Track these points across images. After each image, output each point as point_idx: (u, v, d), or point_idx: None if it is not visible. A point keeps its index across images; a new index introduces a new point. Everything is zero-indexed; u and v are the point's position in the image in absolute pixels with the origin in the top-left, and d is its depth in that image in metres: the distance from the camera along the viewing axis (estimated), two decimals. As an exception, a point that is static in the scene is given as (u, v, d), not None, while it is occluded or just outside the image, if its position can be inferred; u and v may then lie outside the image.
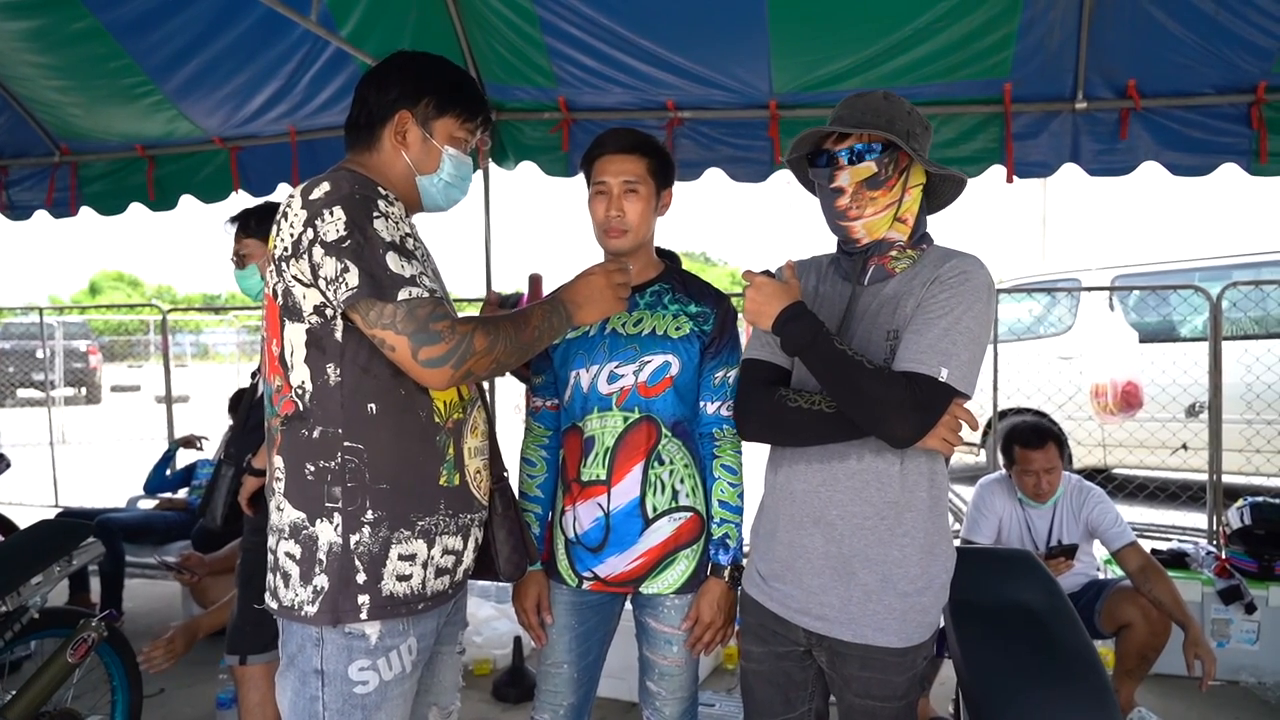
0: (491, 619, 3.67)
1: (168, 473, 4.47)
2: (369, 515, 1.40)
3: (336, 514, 1.39)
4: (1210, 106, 3.40)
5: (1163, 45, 3.22)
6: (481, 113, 1.60)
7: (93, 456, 9.61)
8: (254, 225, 2.60)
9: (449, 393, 1.49)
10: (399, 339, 1.34)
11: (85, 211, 4.70)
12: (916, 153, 1.55)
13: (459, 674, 1.71)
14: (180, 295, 39.14)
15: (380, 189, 1.43)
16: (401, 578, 1.42)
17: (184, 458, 4.60)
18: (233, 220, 2.68)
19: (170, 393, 5.95)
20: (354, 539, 1.39)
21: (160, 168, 4.49)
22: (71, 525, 2.64)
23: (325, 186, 1.37)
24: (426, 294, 1.37)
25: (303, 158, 4.21)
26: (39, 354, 12.44)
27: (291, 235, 1.36)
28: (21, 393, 14.06)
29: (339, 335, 1.39)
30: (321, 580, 1.39)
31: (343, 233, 1.33)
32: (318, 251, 1.34)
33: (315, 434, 1.40)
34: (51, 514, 4.50)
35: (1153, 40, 3.22)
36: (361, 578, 1.39)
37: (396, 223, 1.40)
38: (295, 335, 1.41)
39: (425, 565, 1.45)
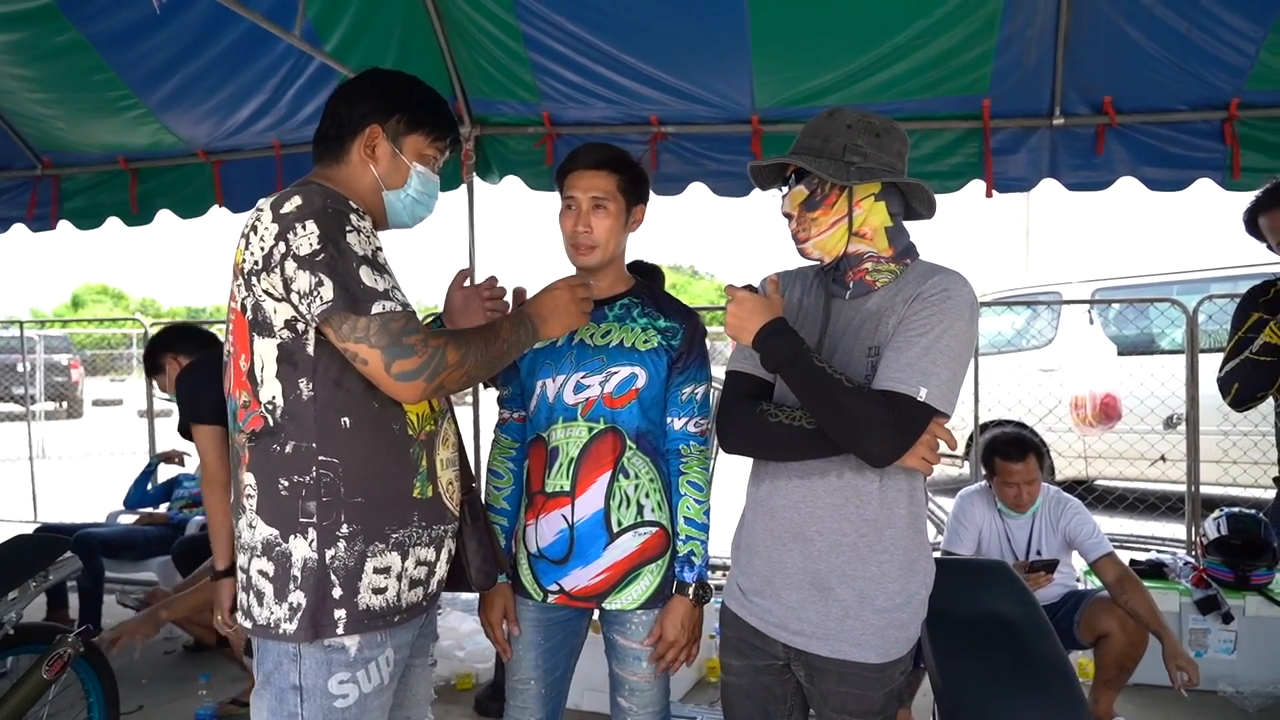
0: (473, 633, 3.66)
1: (149, 487, 4.43)
2: (344, 529, 1.39)
3: (311, 529, 1.38)
4: (1185, 123, 3.46)
5: (1138, 63, 3.27)
6: (451, 133, 1.61)
7: (73, 471, 9.51)
8: (169, 354, 3.05)
9: (421, 405, 1.50)
10: (372, 352, 1.35)
11: (66, 225, 4.67)
12: (851, 166, 1.53)
13: (431, 686, 1.72)
14: (165, 309, 38.87)
15: (350, 203, 1.43)
16: (377, 590, 1.42)
17: (165, 472, 4.56)
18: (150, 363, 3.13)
19: (152, 407, 5.91)
20: (329, 553, 1.38)
21: (142, 181, 4.48)
22: (48, 540, 2.62)
23: (297, 200, 1.36)
24: (399, 308, 1.37)
25: (287, 171, 4.20)
26: (19, 368, 12.31)
27: (262, 249, 1.35)
28: (1, 406, 13.91)
29: (311, 349, 1.39)
30: (297, 596, 1.38)
31: (316, 246, 1.33)
32: (290, 265, 1.33)
33: (288, 449, 1.39)
34: (30, 529, 4.45)
35: (1128, 58, 3.27)
36: (338, 592, 1.39)
37: (368, 237, 1.40)
38: (265, 350, 1.40)
39: (399, 577, 1.45)
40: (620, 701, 1.90)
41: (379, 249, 1.42)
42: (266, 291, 1.37)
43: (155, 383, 3.36)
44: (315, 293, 1.33)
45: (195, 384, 2.53)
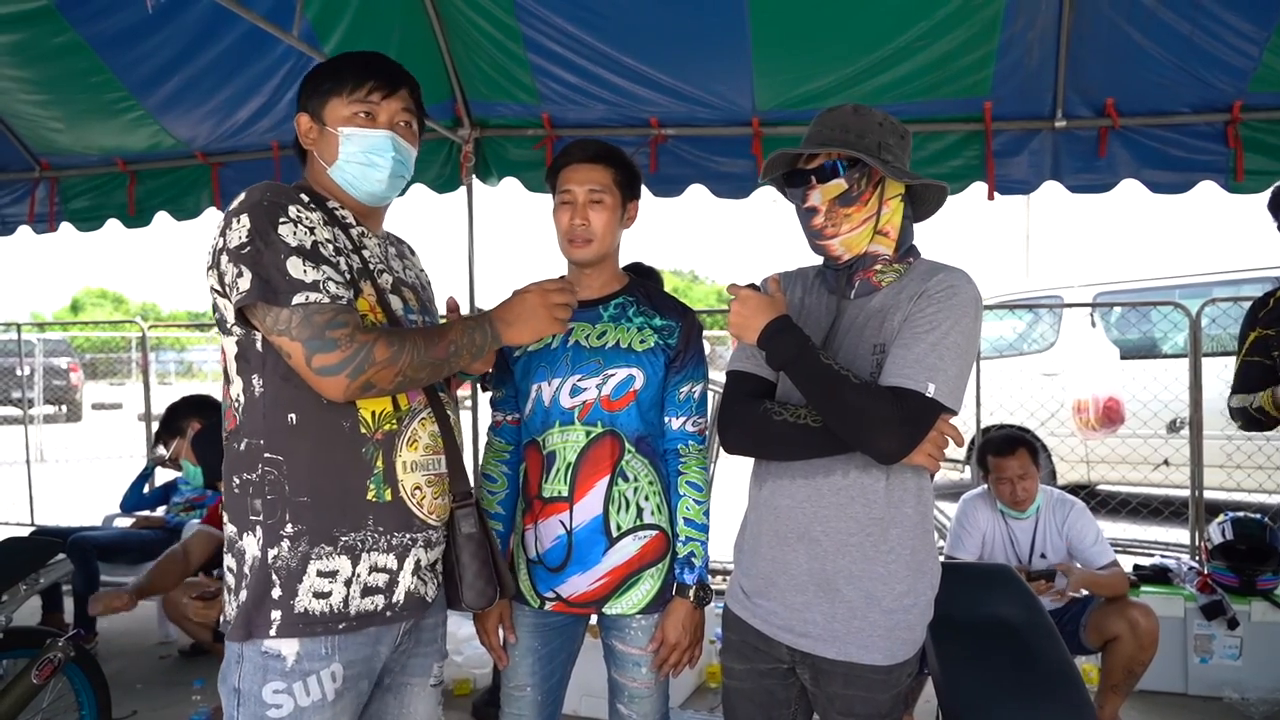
0: (471, 638, 3.62)
1: (145, 490, 4.40)
2: (288, 529, 1.36)
3: (259, 527, 1.37)
4: (1187, 125, 3.45)
5: (1140, 65, 3.26)
6: (367, 79, 1.47)
7: (71, 475, 9.48)
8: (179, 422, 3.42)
9: (380, 402, 1.42)
10: (294, 345, 1.32)
11: (66, 227, 4.66)
12: (888, 165, 1.53)
13: (436, 707, 1.62)
14: (165, 313, 38.84)
15: (303, 194, 1.43)
16: (319, 594, 1.37)
17: (162, 475, 4.54)
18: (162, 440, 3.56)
19: (150, 410, 5.89)
20: (272, 553, 1.36)
21: (141, 183, 4.47)
22: (40, 543, 2.60)
23: (241, 196, 1.37)
24: (328, 299, 1.32)
25: (285, 173, 4.19)
26: (18, 371, 12.29)
27: (210, 246, 1.38)
28: (0, 410, 13.88)
29: (260, 345, 1.38)
30: (243, 595, 1.37)
31: (244, 239, 1.32)
32: (224, 259, 1.34)
33: (241, 446, 1.39)
34: (25, 533, 4.42)
35: (1130, 60, 3.26)
36: (276, 593, 1.36)
37: (311, 228, 1.37)
38: (229, 347, 1.41)
39: (349, 583, 1.39)
40: (620, 709, 1.86)
41: (326, 241, 1.39)
42: (213, 287, 1.38)
43: (163, 444, 3.70)
44: (234, 284, 1.33)
45: (208, 443, 2.63)
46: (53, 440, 11.64)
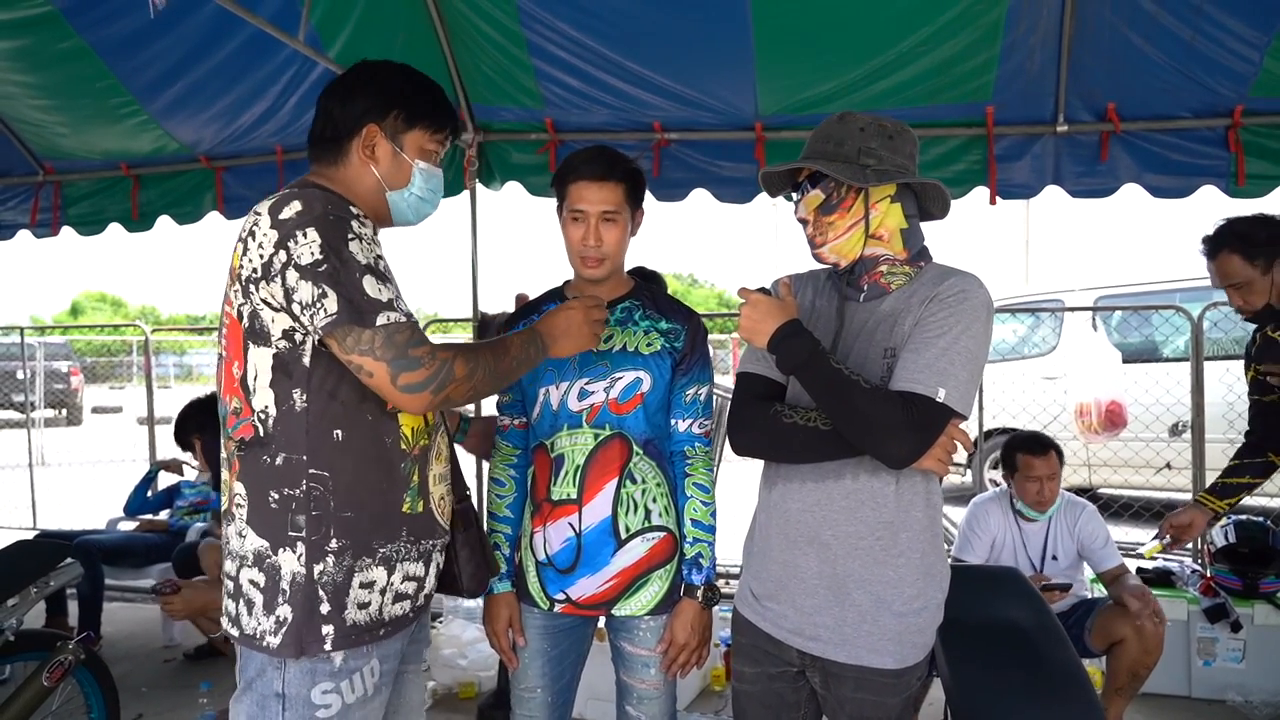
0: (476, 641, 3.63)
1: (149, 494, 4.41)
2: (333, 544, 1.37)
3: (300, 543, 1.36)
4: (1189, 130, 3.46)
5: (1141, 70, 3.28)
6: (450, 122, 1.57)
7: (72, 478, 9.48)
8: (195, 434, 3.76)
9: (416, 419, 1.47)
10: (378, 365, 1.32)
11: (68, 231, 4.67)
12: (868, 170, 1.53)
13: (424, 692, 1.71)
14: (164, 316, 38.85)
15: (352, 208, 1.40)
16: (362, 605, 1.40)
17: (166, 479, 4.54)
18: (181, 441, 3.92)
19: (152, 414, 5.89)
20: (318, 568, 1.37)
21: (144, 187, 4.47)
22: (49, 547, 2.60)
23: (296, 205, 1.33)
24: (404, 319, 1.35)
25: (289, 177, 4.19)
26: (19, 375, 12.28)
27: (261, 256, 1.32)
28: (0, 414, 13.86)
29: (307, 360, 1.36)
30: (284, 611, 1.36)
31: (318, 256, 1.30)
32: (291, 275, 1.30)
33: (278, 461, 1.37)
34: (29, 536, 4.42)
35: (1131, 65, 3.27)
36: (325, 608, 1.37)
37: (369, 244, 1.37)
38: (260, 359, 1.37)
39: (384, 592, 1.43)
40: (629, 710, 1.88)
41: (380, 256, 1.39)
42: (265, 300, 1.34)
43: (184, 449, 4.04)
44: (319, 305, 1.30)
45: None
46: (54, 444, 11.62)
